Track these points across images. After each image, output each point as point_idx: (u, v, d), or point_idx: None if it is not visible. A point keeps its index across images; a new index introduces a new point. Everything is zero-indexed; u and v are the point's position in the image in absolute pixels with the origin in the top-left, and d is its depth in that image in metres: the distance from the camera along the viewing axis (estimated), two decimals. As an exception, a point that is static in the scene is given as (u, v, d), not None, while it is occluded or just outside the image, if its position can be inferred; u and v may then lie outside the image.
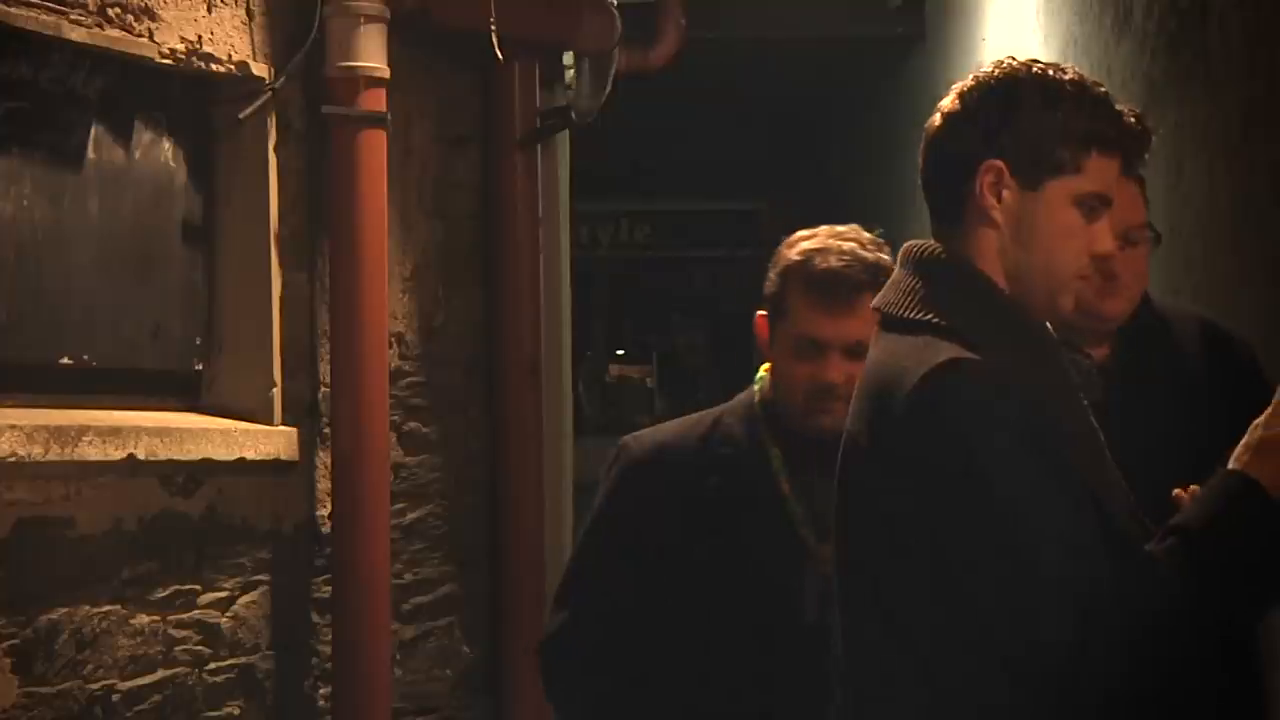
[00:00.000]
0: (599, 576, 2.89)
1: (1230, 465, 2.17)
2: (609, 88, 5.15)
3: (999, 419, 2.16)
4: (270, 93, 4.22)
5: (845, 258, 2.78)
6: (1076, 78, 2.32)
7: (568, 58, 5.23)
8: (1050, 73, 2.31)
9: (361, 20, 4.31)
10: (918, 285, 2.31)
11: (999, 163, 2.26)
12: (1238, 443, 2.23)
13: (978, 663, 2.17)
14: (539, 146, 5.09)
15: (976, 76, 2.33)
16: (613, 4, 5.14)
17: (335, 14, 4.30)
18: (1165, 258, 3.75)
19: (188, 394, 4.26)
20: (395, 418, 4.55)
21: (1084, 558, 2.11)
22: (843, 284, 2.77)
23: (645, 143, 9.94)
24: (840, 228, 2.85)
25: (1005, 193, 2.26)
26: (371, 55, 4.33)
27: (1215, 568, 2.11)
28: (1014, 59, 2.35)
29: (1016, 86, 2.28)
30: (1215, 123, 3.93)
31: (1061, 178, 2.27)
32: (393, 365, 4.56)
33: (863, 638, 2.33)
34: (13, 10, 3.56)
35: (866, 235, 2.85)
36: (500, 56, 4.63)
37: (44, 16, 3.64)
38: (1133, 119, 2.70)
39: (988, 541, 2.13)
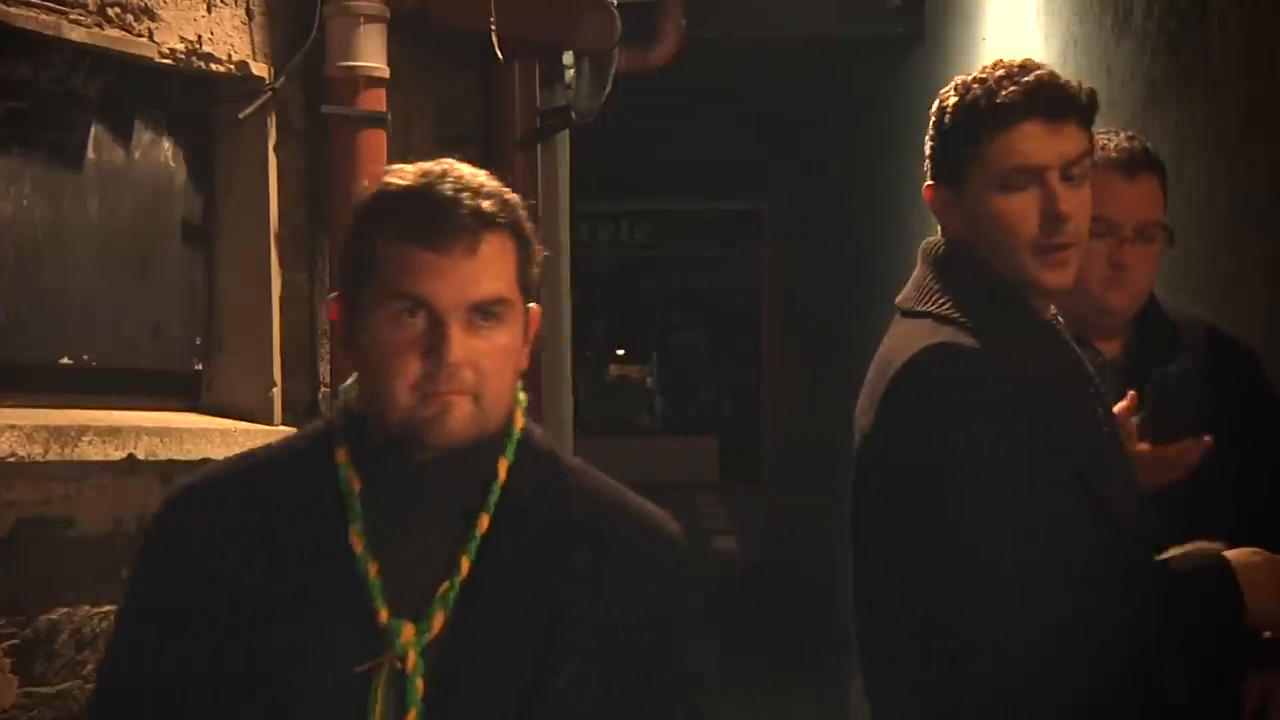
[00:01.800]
0: (127, 662, 2.03)
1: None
2: (609, 88, 5.15)
3: (981, 405, 2.25)
4: (270, 93, 4.22)
5: (456, 183, 2.00)
6: None
7: (568, 58, 5.23)
8: None
9: (361, 20, 4.32)
10: (931, 279, 2.42)
11: None
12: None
13: (934, 655, 2.27)
14: (539, 146, 5.09)
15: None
16: (613, 4, 5.14)
17: (335, 14, 4.30)
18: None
19: (188, 394, 4.26)
20: (395, 418, 4.55)
21: (1048, 556, 2.20)
22: (461, 214, 1.95)
23: (645, 143, 9.95)
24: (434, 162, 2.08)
25: None
26: (371, 55, 4.34)
27: (1175, 612, 2.24)
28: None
29: None
30: (1215, 123, 3.94)
31: None
32: (393, 365, 4.56)
33: (860, 630, 2.43)
34: (13, 10, 3.57)
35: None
36: (500, 56, 4.63)
37: (44, 16, 3.64)
38: None
39: (950, 533, 2.22)
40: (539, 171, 5.08)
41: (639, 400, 14.63)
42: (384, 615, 1.91)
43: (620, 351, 14.80)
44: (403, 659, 1.90)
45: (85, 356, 3.91)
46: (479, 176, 2.02)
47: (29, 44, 3.66)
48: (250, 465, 2.06)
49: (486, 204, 1.98)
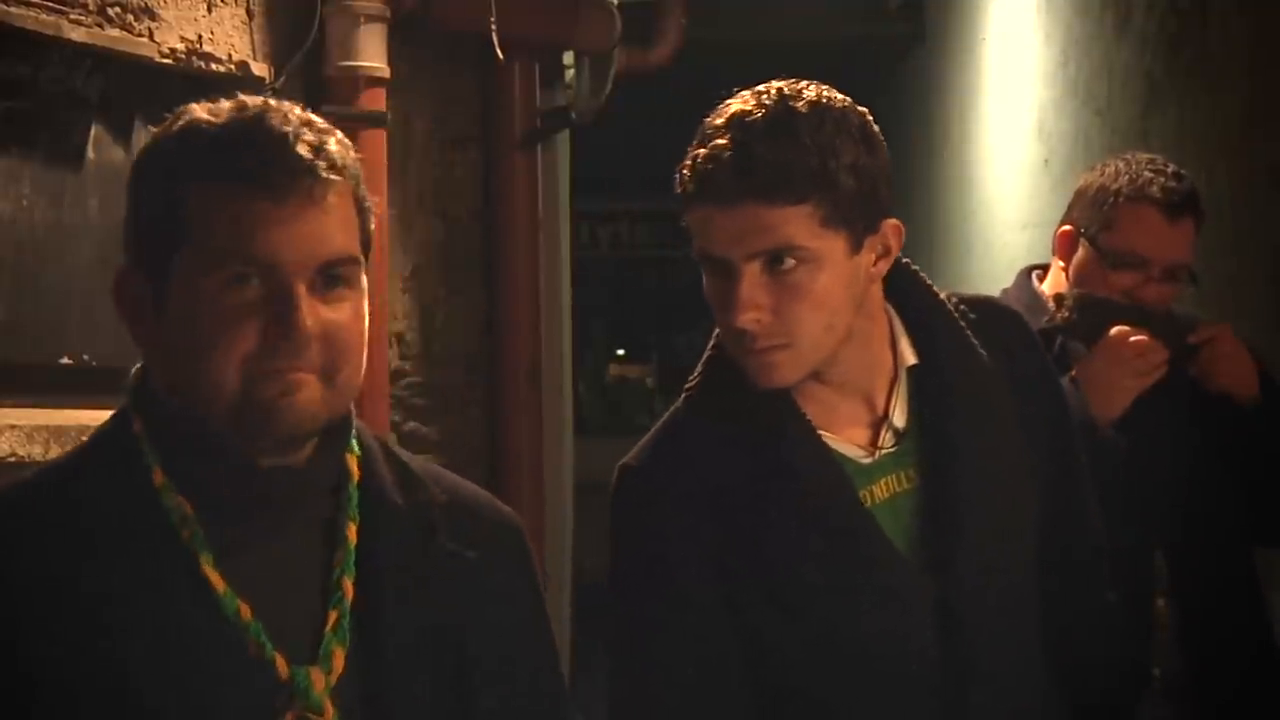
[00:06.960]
0: None
1: None
2: (609, 88, 5.15)
3: (638, 532, 2.05)
4: (270, 92, 4.22)
5: (285, 119, 1.74)
6: None
7: (568, 58, 5.23)
8: None
9: (361, 20, 4.32)
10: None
11: None
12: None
13: None
14: (539, 146, 5.09)
15: None
16: (613, 4, 5.14)
17: (335, 14, 4.30)
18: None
19: (188, 394, 4.25)
20: (395, 418, 4.55)
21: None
22: (301, 154, 1.65)
23: (645, 143, 9.95)
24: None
25: None
26: (371, 55, 4.34)
27: None
28: None
29: None
30: (1215, 123, 3.94)
31: None
32: (393, 365, 4.56)
33: None
34: (13, 10, 3.57)
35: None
36: (500, 56, 4.63)
37: (44, 16, 3.64)
38: None
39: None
40: (539, 171, 5.08)
41: (639, 400, 14.63)
42: (282, 665, 1.56)
43: (620, 351, 14.80)
44: (319, 713, 1.56)
45: (85, 356, 3.91)
46: (306, 112, 1.70)
47: (29, 44, 3.66)
48: (27, 498, 1.66)
49: (331, 143, 1.63)
